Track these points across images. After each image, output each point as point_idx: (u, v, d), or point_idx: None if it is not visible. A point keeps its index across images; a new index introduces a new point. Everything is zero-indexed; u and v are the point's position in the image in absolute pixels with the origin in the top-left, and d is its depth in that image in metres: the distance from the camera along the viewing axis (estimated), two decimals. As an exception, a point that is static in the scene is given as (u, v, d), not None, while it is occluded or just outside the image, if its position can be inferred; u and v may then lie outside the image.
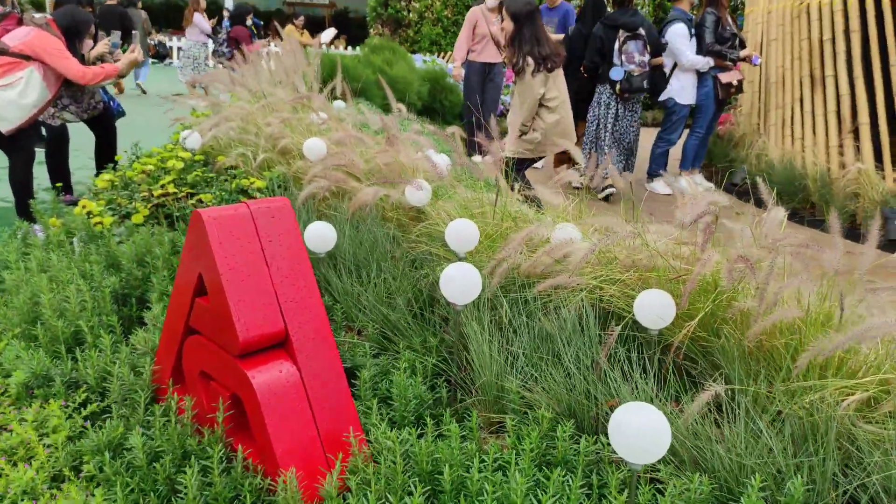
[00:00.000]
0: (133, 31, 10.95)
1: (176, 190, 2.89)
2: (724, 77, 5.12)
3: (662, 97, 5.32)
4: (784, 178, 4.83)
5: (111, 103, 4.85)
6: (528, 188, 3.29)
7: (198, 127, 3.38)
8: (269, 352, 1.38)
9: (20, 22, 3.83)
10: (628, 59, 5.02)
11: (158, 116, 8.86)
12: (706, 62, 5.10)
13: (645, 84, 5.02)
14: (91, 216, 2.76)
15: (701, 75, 5.23)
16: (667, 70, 5.25)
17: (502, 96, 8.25)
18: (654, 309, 1.59)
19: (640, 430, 1.06)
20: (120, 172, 3.08)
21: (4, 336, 1.89)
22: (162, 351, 1.58)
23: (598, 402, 1.55)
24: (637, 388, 1.48)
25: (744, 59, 5.10)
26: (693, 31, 5.13)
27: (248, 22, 17.35)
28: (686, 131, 5.74)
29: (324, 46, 15.24)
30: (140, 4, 11.33)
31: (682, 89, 5.24)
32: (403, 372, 1.55)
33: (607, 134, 5.20)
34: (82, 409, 1.60)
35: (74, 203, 4.62)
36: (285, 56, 4.13)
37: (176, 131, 4.51)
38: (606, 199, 5.28)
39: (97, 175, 5.04)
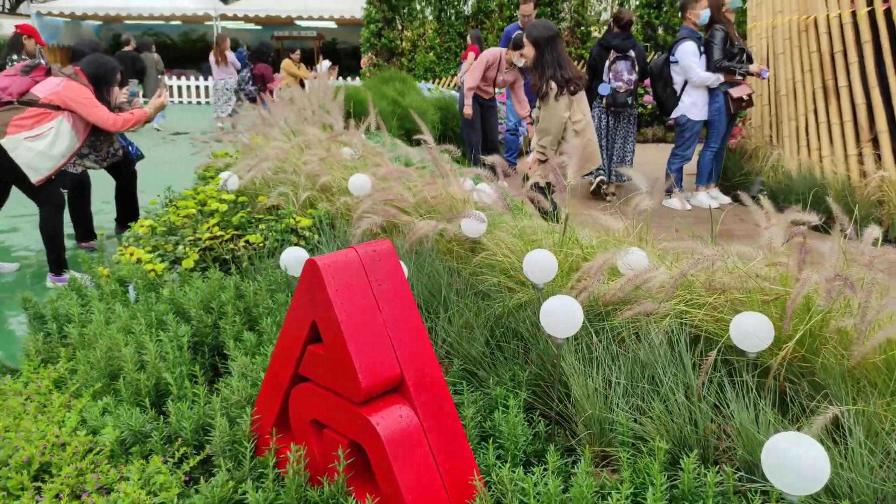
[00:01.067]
0: (160, 76, 11.32)
1: (223, 233, 2.88)
2: (735, 92, 5.19)
3: (674, 114, 5.39)
4: (804, 188, 4.88)
5: (130, 148, 4.87)
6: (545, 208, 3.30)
7: (234, 168, 3.39)
8: (386, 397, 1.37)
9: (48, 73, 3.84)
10: (616, 76, 5.63)
11: (173, 153, 8.89)
12: (716, 78, 5.18)
13: (629, 100, 5.60)
14: (140, 263, 2.75)
15: (711, 91, 5.30)
16: (677, 88, 5.33)
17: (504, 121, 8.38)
18: (752, 332, 1.59)
19: (799, 461, 1.06)
20: (163, 217, 3.08)
21: (85, 392, 1.86)
22: (263, 400, 1.56)
23: (697, 427, 1.55)
24: (757, 414, 1.48)
25: (753, 74, 5.19)
26: (702, 48, 5.22)
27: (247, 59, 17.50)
28: (698, 147, 5.80)
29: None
30: (154, 48, 11.70)
31: (693, 105, 5.31)
32: (512, 409, 1.54)
33: (604, 146, 5.83)
34: (182, 463, 1.58)
35: (95, 249, 4.61)
36: (311, 92, 4.16)
37: (197, 171, 4.52)
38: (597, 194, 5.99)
39: (119, 220, 5.03)
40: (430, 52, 13.89)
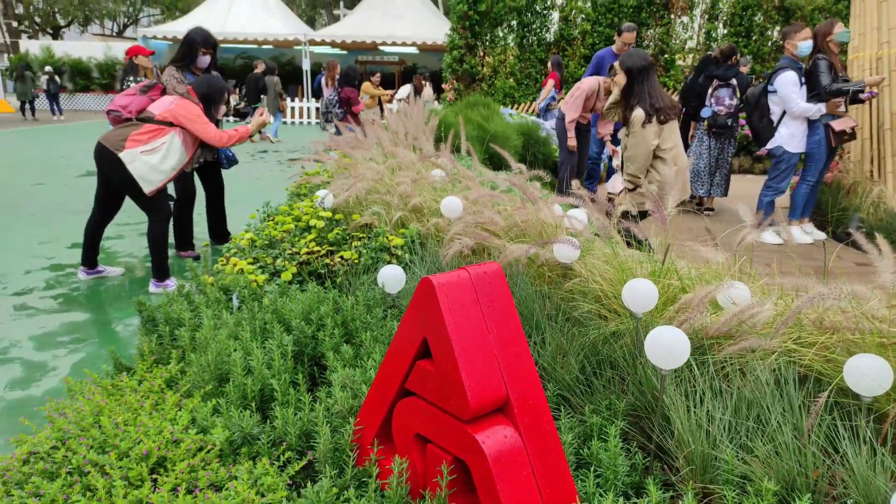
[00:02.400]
0: (262, 96, 12.53)
1: (319, 248, 3.00)
2: (838, 125, 4.99)
3: (770, 145, 5.22)
4: (911, 228, 4.61)
5: (228, 153, 5.10)
6: (629, 239, 3.25)
7: (329, 186, 3.53)
8: (491, 416, 1.39)
9: (164, 91, 4.13)
10: (717, 102, 6.49)
11: (262, 169, 9.34)
12: (817, 109, 4.99)
13: (729, 122, 6.42)
14: (243, 273, 2.89)
15: (812, 122, 5.11)
16: (774, 118, 5.17)
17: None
18: (869, 375, 1.52)
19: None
20: (263, 231, 3.23)
21: (195, 393, 1.97)
22: (367, 411, 1.61)
23: (806, 470, 1.49)
24: (875, 461, 1.41)
25: (871, 85, 4.98)
26: (803, 78, 5.05)
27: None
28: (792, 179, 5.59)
29: (400, 103, 15.77)
30: (276, 72, 13.51)
31: (791, 137, 5.13)
32: (612, 438, 1.53)
33: (703, 163, 6.64)
34: (286, 467, 1.65)
35: (197, 258, 4.87)
36: (403, 116, 4.29)
37: (290, 188, 4.72)
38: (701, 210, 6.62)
39: (211, 231, 5.30)
40: (510, 78, 14.02)
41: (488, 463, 1.31)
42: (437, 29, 22.77)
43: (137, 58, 6.46)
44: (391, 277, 2.32)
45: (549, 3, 13.97)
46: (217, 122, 4.23)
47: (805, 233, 5.40)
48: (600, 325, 2.19)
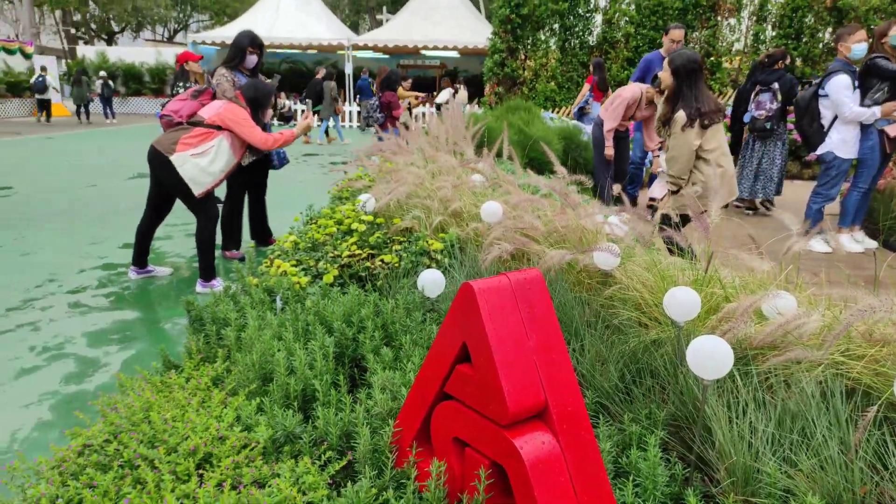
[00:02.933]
0: (334, 100, 13.55)
1: (360, 251, 3.05)
2: (893, 130, 4.82)
3: (821, 150, 5.08)
4: (971, 237, 4.42)
5: (276, 152, 5.21)
6: (670, 245, 3.19)
7: (371, 190, 3.58)
8: (530, 422, 1.40)
9: (214, 96, 4.26)
10: (758, 106, 6.75)
11: (305, 173, 9.53)
12: (872, 113, 4.84)
13: (768, 126, 6.64)
14: (286, 275, 2.96)
15: (865, 128, 4.95)
16: (825, 123, 5.03)
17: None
18: (922, 390, 1.48)
19: None
20: (307, 234, 3.30)
21: (240, 391, 2.03)
22: (406, 413, 1.64)
23: (853, 486, 1.45)
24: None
25: None
26: (856, 82, 4.90)
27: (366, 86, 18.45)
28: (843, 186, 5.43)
29: (441, 107, 15.86)
30: (334, 77, 14.92)
31: (843, 143, 4.98)
32: (651, 447, 1.52)
33: (749, 167, 6.92)
34: (327, 466, 1.69)
35: (242, 259, 4.99)
36: (444, 121, 4.32)
37: (332, 192, 4.80)
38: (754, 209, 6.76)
39: (253, 233, 5.42)
40: (551, 82, 13.96)
41: (526, 468, 1.32)
42: (478, 33, 22.81)
43: (188, 64, 6.68)
44: (431, 282, 2.35)
45: (592, 5, 13.87)
46: (264, 126, 4.33)
47: (855, 241, 5.23)
48: (640, 332, 2.18)
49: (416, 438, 1.62)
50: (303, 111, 20.53)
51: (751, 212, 7.18)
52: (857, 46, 4.86)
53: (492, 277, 1.46)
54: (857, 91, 4.91)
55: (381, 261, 2.96)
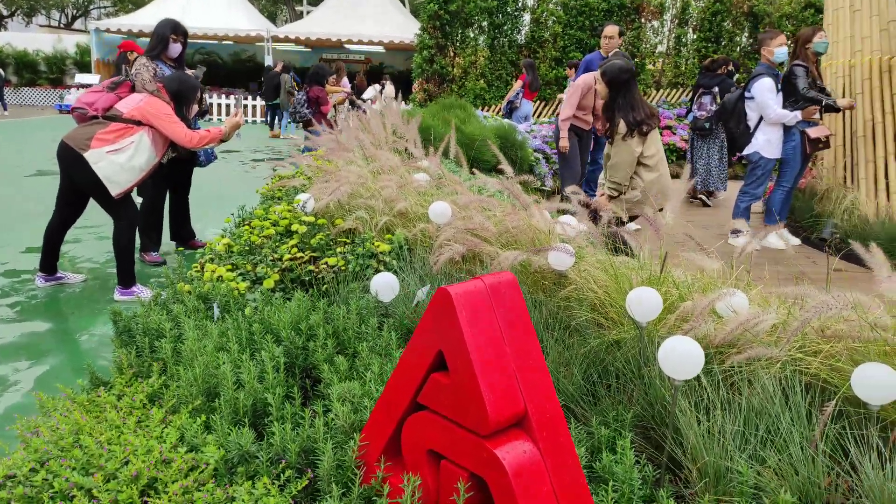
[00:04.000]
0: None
1: (302, 254, 2.95)
2: (813, 132, 5.14)
3: (747, 151, 5.36)
4: (885, 235, 4.77)
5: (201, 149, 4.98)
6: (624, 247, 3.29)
7: (310, 190, 3.48)
8: (509, 431, 1.38)
9: (133, 89, 4.02)
10: (700, 107, 7.39)
11: (225, 171, 9.16)
12: (793, 116, 5.14)
13: (707, 125, 7.27)
14: (222, 281, 2.82)
15: (787, 129, 5.26)
16: (751, 124, 5.30)
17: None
18: (879, 384, 1.56)
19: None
20: (242, 236, 3.17)
21: (183, 409, 1.91)
22: (373, 426, 1.58)
23: (819, 480, 1.52)
24: (889, 468, 1.45)
25: (842, 109, 5.14)
26: (779, 85, 5.19)
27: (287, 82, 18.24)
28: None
29: (368, 103, 15.74)
30: (291, 71, 15.50)
31: (767, 143, 5.27)
32: (625, 451, 1.53)
33: (689, 163, 7.63)
34: (286, 486, 1.61)
35: (162, 263, 4.75)
36: (382, 118, 4.26)
37: (262, 191, 4.64)
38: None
39: (175, 235, 5.18)
40: (480, 80, 14.09)
41: (509, 478, 1.30)
42: (404, 28, 22.78)
43: (132, 53, 6.39)
44: (384, 285, 2.30)
45: (520, 4, 14.10)
46: (189, 123, 4.14)
47: (781, 238, 5.54)
48: (599, 333, 2.21)
49: (384, 452, 1.57)
50: (229, 106, 19.89)
51: (695, 200, 7.96)
52: (779, 50, 5.15)
53: (467, 282, 1.43)
54: (780, 94, 5.20)
55: (326, 264, 2.87)
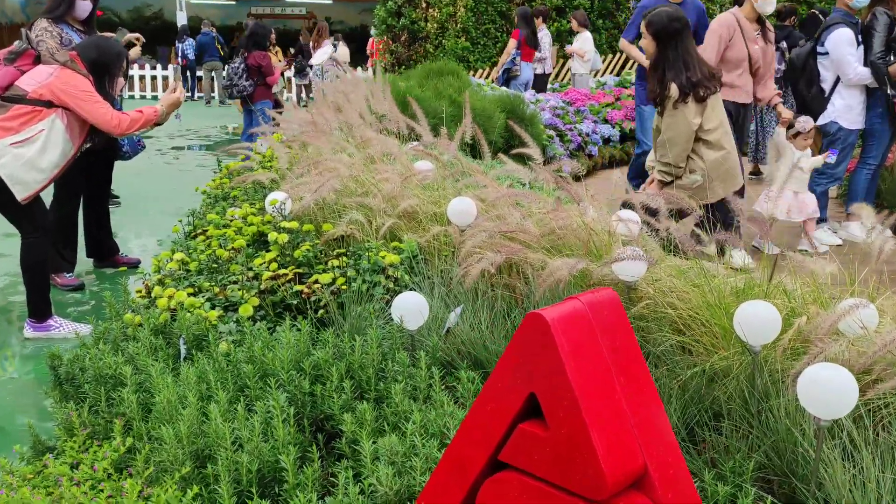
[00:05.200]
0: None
1: (286, 271, 2.93)
2: (904, 95, 5.26)
3: (822, 121, 5.45)
4: None
5: (124, 140, 4.92)
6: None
7: (284, 186, 3.46)
8: (627, 494, 1.39)
9: (38, 60, 3.96)
10: None
11: (149, 163, 9.01)
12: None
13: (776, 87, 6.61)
14: (184, 309, 2.79)
15: (872, 91, 5.36)
16: (826, 87, 5.40)
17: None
18: None
19: None
20: (208, 251, 3.14)
21: (167, 479, 1.88)
22: (434, 495, 1.57)
23: None
24: None
25: None
26: (860, 36, 5.29)
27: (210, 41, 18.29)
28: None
29: (317, 70, 15.76)
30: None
31: (848, 110, 5.36)
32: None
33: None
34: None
35: (80, 287, 4.68)
36: (350, 88, 4.26)
37: (206, 190, 4.61)
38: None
39: (95, 246, 5.10)
40: (462, 37, 14.15)
41: (635, 557, 1.30)
42: (357, -28, 22.85)
43: None
44: (411, 309, 2.29)
45: (511, -67, 14.21)
46: (112, 102, 4.08)
47: (867, 228, 5.64)
48: (690, 362, 2.23)
49: (451, 527, 1.56)
50: (167, 79, 19.75)
51: (754, 177, 8.04)
52: (862, -9, 5.26)
53: (560, 303, 1.43)
54: (861, 48, 5.30)
55: (317, 282, 2.86)
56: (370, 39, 15.88)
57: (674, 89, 4.02)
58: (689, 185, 4.13)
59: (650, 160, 4.47)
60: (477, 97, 6.21)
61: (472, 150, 5.63)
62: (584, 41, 11.15)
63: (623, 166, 9.00)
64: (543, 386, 1.39)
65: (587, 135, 8.53)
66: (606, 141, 8.95)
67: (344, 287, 2.78)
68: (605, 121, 9.15)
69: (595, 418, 1.34)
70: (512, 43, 10.52)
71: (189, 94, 20.51)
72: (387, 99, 3.94)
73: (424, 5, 14.15)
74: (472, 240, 2.77)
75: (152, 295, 3.03)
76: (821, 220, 5.61)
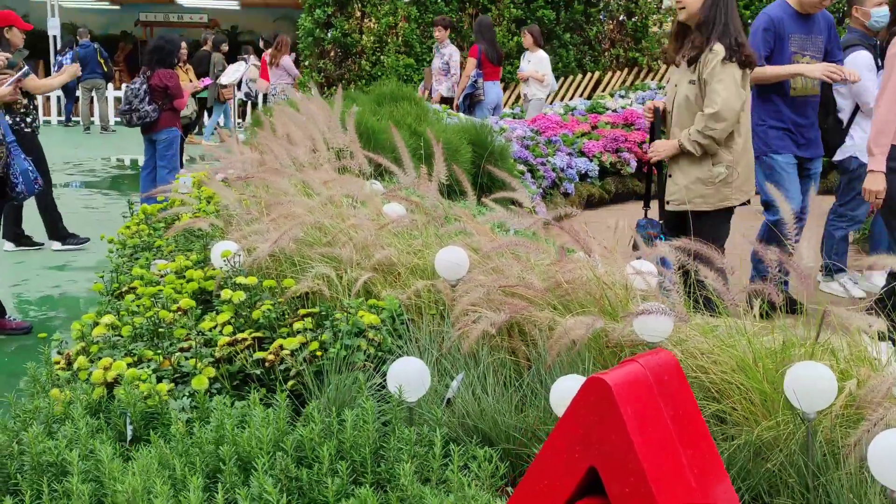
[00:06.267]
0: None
1: (245, 335, 3.03)
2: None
3: (839, 156, 5.78)
4: None
5: (19, 177, 4.99)
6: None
7: (233, 234, 3.57)
8: (698, 577, 1.53)
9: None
10: None
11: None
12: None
13: None
14: (122, 382, 2.86)
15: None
16: (844, 117, 5.74)
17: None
18: None
19: None
20: (149, 313, 3.21)
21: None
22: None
23: None
24: None
25: None
26: (879, 60, 5.66)
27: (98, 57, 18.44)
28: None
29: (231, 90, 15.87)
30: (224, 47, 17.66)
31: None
32: None
33: None
34: None
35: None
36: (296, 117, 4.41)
37: (113, 239, 4.67)
38: None
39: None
40: (404, 53, 14.45)
41: None
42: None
43: (11, 30, 6.84)
44: (411, 377, 2.42)
45: (458, -68, 14.64)
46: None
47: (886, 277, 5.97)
48: (729, 432, 2.40)
49: None
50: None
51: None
52: (878, 11, 5.63)
53: (619, 367, 1.59)
54: (881, 72, 5.67)
55: (282, 348, 2.96)
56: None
57: (719, 48, 4.22)
58: (712, 178, 4.30)
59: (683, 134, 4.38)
60: (439, 127, 6.39)
61: (446, 189, 5.80)
62: (540, 61, 11.42)
63: (604, 206, 9.28)
64: (606, 459, 1.53)
65: (562, 170, 8.82)
66: (583, 176, 9.25)
67: (319, 353, 2.88)
68: (582, 153, 9.46)
69: (665, 497, 1.49)
70: (471, 63, 10.81)
71: (64, 119, 20.41)
72: (350, 131, 4.09)
73: (359, 15, 14.44)
74: (469, 295, 2.91)
75: (74, 367, 3.09)
76: (839, 270, 5.93)
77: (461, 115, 8.71)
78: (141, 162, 9.55)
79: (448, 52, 11.46)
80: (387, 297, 3.15)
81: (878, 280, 5.94)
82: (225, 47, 17.05)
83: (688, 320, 2.57)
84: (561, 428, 1.58)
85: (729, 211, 4.44)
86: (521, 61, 11.84)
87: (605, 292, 2.95)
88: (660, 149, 4.44)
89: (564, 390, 2.25)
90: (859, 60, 5.60)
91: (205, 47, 16.95)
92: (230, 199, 3.76)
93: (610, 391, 1.51)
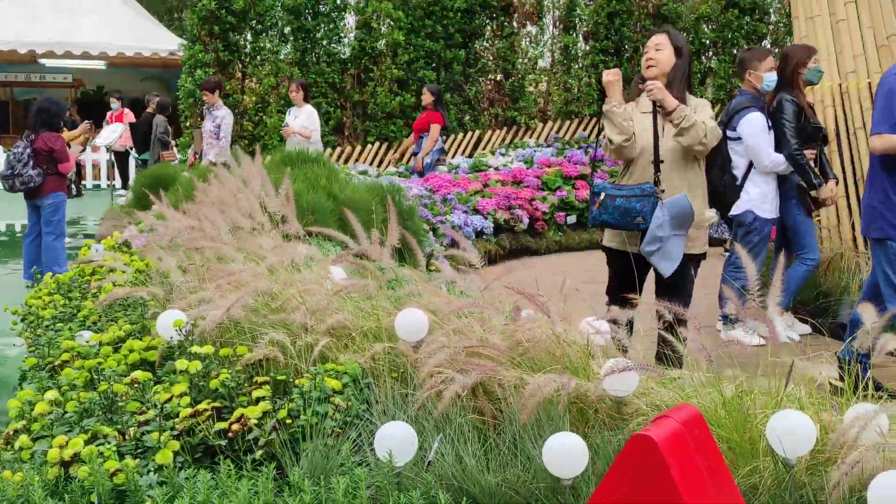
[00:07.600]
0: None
1: (205, 405, 2.99)
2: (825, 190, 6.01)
3: (735, 210, 6.09)
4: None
5: None
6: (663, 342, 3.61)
7: (176, 304, 3.52)
8: None
9: None
10: None
11: None
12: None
13: None
14: (89, 460, 2.77)
15: (782, 181, 6.08)
16: (738, 173, 6.06)
17: None
18: None
19: None
20: (102, 388, 3.13)
21: None
22: None
23: None
24: None
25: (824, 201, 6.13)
26: (769, 120, 6.02)
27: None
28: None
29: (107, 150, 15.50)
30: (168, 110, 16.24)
31: (763, 199, 6.02)
32: None
33: None
34: None
35: None
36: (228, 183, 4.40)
37: (21, 313, 4.53)
38: None
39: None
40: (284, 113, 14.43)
41: None
42: (138, 32, 22.87)
43: None
44: (400, 441, 2.44)
45: (339, 1, 14.78)
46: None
47: (787, 326, 6.29)
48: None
49: None
50: None
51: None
52: (769, 76, 6.00)
53: (655, 423, 1.67)
54: (772, 132, 6.03)
55: (243, 416, 2.93)
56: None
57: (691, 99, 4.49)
58: (703, 221, 4.50)
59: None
60: (350, 187, 6.44)
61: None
62: (310, 115, 11.08)
63: (501, 262, 9.45)
64: (655, 512, 1.60)
65: (459, 227, 8.96)
66: (479, 234, 9.42)
67: (289, 421, 2.87)
68: (476, 210, 9.64)
69: (714, 543, 1.57)
70: (436, 129, 10.92)
71: None
72: (287, 195, 4.09)
73: (240, 75, 14.37)
74: (434, 358, 2.95)
75: (16, 446, 2.99)
76: (734, 319, 6.21)
77: (356, 173, 8.76)
78: (18, 228, 9.16)
79: (221, 115, 11.11)
80: (346, 361, 3.17)
81: (780, 327, 6.24)
82: (169, 111, 16.22)
83: (661, 374, 2.67)
84: (606, 485, 1.64)
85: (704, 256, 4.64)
86: (287, 116, 11.53)
87: (566, 350, 3.03)
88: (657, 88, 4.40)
89: (559, 446, 2.31)
90: (753, 120, 5.94)
91: (148, 109, 16.36)
92: (171, 266, 3.71)
93: (655, 446, 1.58)
